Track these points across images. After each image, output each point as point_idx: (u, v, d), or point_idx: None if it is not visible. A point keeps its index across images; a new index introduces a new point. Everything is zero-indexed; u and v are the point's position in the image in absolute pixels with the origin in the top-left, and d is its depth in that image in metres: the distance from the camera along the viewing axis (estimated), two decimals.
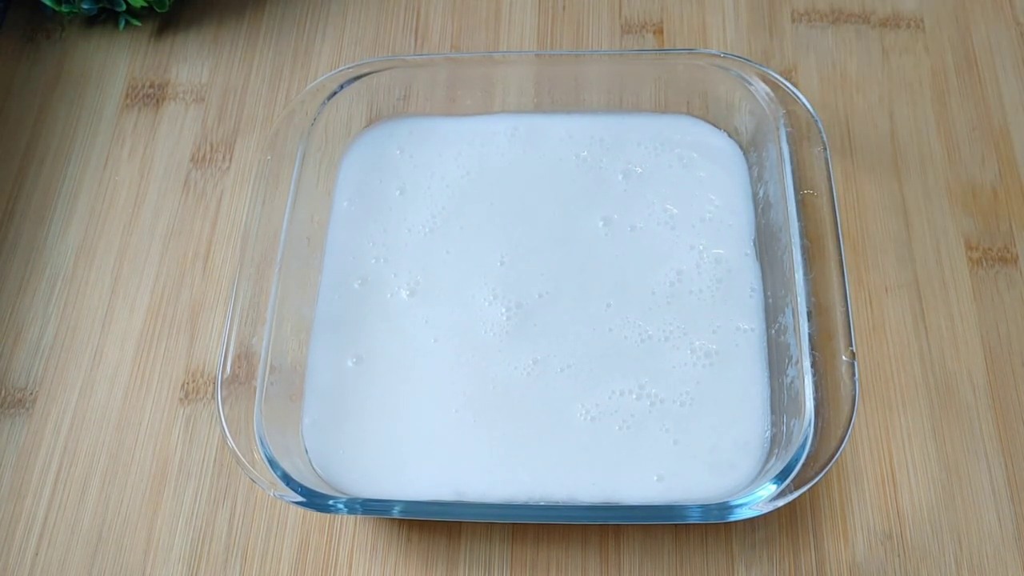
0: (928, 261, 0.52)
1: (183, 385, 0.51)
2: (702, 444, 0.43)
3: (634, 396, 0.44)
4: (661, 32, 0.61)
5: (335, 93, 0.51)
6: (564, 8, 0.62)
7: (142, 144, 0.59)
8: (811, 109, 0.48)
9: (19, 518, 0.48)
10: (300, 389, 0.47)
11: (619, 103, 0.54)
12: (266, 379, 0.44)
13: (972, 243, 0.53)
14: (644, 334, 0.46)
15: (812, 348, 0.42)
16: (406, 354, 0.47)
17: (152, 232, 0.56)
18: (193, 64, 0.62)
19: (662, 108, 0.53)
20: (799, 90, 0.50)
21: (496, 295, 0.48)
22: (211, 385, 0.51)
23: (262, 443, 0.42)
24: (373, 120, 0.55)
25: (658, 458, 0.43)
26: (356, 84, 0.52)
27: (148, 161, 0.59)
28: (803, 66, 0.59)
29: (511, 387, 0.46)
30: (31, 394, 0.51)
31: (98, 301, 0.54)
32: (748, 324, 0.46)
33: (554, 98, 0.54)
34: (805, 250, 0.44)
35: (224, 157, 0.59)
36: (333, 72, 0.52)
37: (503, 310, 0.47)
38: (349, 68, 0.52)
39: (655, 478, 0.43)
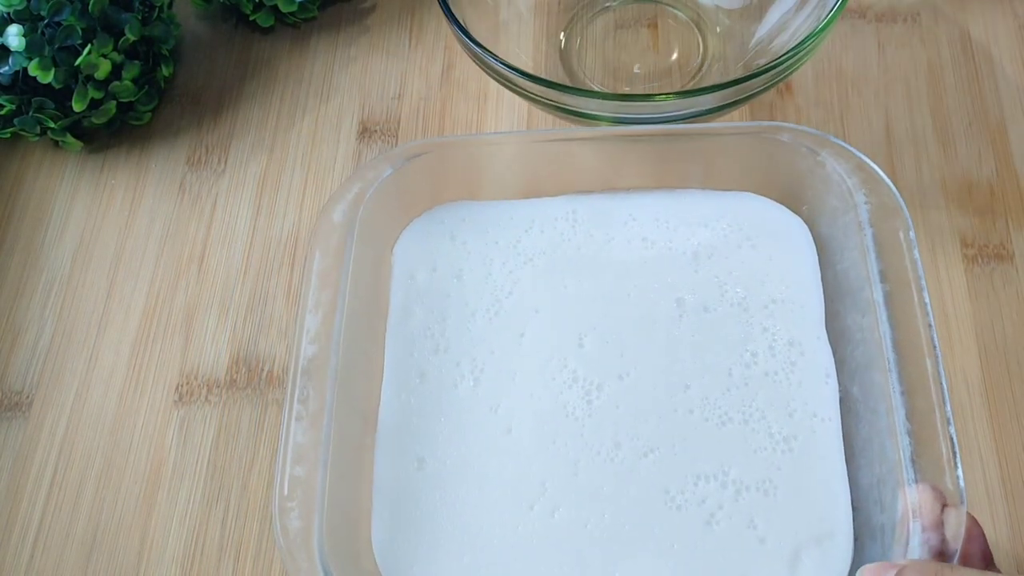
0: (923, 258, 0.52)
1: (177, 388, 0.51)
2: (787, 542, 0.41)
3: (719, 483, 0.42)
4: (655, 27, 0.61)
5: (382, 179, 0.47)
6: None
7: (138, 146, 0.60)
8: (891, 186, 0.45)
9: (15, 521, 0.49)
10: (367, 500, 0.43)
11: (679, 180, 0.50)
12: (326, 497, 0.40)
13: (967, 240, 0.52)
14: (724, 416, 0.44)
15: (913, 458, 0.38)
16: (473, 450, 0.44)
17: (148, 235, 0.57)
18: (189, 66, 0.62)
19: (723, 185, 0.50)
20: (852, 146, 0.46)
21: (576, 377, 0.45)
22: (204, 388, 0.51)
23: (325, 572, 0.38)
24: (416, 205, 0.50)
25: (743, 558, 0.41)
26: (401, 170, 0.47)
27: (144, 163, 0.59)
28: None
29: (594, 473, 0.43)
30: (27, 397, 0.52)
31: (94, 304, 0.54)
32: (824, 411, 0.44)
33: (613, 178, 0.50)
34: (896, 344, 0.41)
35: (219, 160, 0.59)
36: (375, 157, 0.48)
37: (583, 393, 0.45)
38: (391, 153, 0.48)
39: None
